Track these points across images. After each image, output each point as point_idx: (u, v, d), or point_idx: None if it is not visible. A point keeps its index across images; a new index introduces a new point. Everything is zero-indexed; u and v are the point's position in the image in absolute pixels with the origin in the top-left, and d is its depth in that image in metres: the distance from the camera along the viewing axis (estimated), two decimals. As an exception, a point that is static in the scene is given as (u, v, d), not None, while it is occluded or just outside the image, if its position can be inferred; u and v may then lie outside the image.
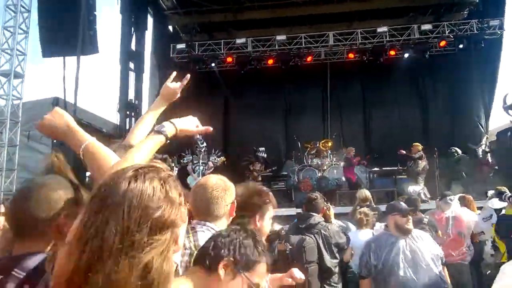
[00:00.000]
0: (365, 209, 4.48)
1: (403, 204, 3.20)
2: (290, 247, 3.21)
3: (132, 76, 12.69)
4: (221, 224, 1.77)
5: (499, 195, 3.79)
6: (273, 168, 11.22)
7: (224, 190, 1.79)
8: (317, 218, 3.60)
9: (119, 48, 12.39)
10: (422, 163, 9.56)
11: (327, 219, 4.05)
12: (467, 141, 12.10)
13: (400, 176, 10.25)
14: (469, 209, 4.94)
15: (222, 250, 1.22)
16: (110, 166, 1.19)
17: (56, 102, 10.17)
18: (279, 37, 12.82)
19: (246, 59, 13.14)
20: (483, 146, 12.21)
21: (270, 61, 13.28)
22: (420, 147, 9.80)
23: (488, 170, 10.77)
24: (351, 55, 13.14)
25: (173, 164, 11.27)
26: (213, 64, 13.23)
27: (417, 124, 14.09)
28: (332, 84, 14.61)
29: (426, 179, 9.71)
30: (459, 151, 10.53)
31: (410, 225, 3.02)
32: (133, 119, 12.38)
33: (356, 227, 4.42)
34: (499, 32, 12.07)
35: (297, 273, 2.02)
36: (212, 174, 1.95)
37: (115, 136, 12.17)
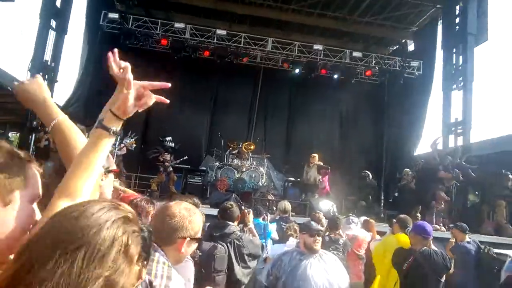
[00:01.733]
0: (294, 224, 4.64)
1: (313, 224, 3.30)
2: (200, 253, 3.17)
3: (52, 35, 11.34)
4: (170, 255, 1.64)
5: (403, 228, 4.19)
6: (184, 158, 10.94)
7: (181, 221, 1.67)
8: (232, 227, 3.55)
9: (41, 2, 10.97)
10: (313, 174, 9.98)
11: (246, 223, 4.12)
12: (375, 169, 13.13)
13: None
14: (369, 231, 5.32)
15: None
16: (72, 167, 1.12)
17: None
18: (219, 31, 12.62)
19: (182, 46, 12.67)
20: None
21: (206, 53, 13.01)
22: (317, 158, 10.19)
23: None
24: (285, 65, 13.49)
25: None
26: (145, 43, 12.50)
27: (334, 143, 14.99)
28: (263, 89, 14.86)
29: (336, 197, 10.38)
30: (370, 176, 11.34)
31: (317, 246, 3.11)
32: (45, 82, 11.04)
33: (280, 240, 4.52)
34: (417, 73, 13.32)
35: None
36: (182, 202, 1.81)
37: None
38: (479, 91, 26.56)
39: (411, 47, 15.21)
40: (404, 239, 3.92)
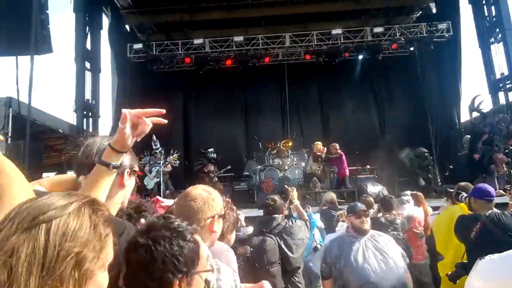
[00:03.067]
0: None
1: (358, 205, 3.24)
2: (251, 249, 3.26)
3: (88, 75, 12.23)
4: (205, 238, 1.62)
5: (456, 195, 3.86)
6: (228, 168, 11.23)
7: (204, 202, 1.66)
8: (278, 219, 3.56)
9: (74, 47, 11.88)
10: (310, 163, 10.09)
11: (291, 200, 4.17)
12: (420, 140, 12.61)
13: (359, 176, 10.60)
14: (421, 207, 5.13)
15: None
16: None
17: (9, 102, 9.67)
18: (236, 38, 12.82)
19: (204, 60, 13.04)
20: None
21: (228, 62, 13.28)
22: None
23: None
24: (307, 57, 13.41)
25: None
26: (171, 64, 13.05)
27: (374, 124, 14.62)
28: (290, 85, 14.86)
29: (386, 179, 10.14)
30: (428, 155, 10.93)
31: (365, 226, 3.07)
32: (90, 119, 11.98)
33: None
34: (447, 35, 12.62)
35: (267, 286, 1.92)
36: (199, 185, 1.79)
37: (72, 136, 11.78)
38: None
39: (435, 9, 14.47)
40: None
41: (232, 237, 2.47)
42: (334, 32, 12.67)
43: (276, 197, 3.78)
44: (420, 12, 15.09)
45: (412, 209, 4.87)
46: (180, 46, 12.97)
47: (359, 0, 14.08)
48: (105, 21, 13.76)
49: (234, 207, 2.74)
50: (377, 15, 15.22)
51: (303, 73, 14.38)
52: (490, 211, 3.14)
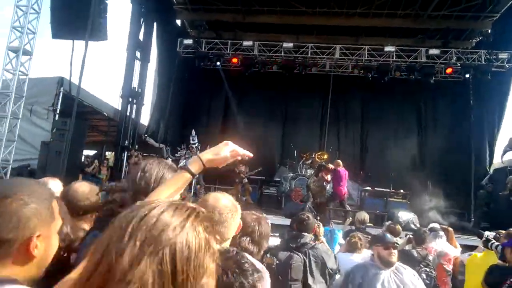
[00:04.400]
0: (358, 233, 4.46)
1: (388, 236, 3.15)
2: (277, 262, 3.23)
3: (137, 64, 12.68)
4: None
5: (486, 242, 3.66)
6: (259, 169, 11.18)
7: (232, 213, 1.77)
8: (308, 238, 3.51)
9: (127, 36, 12.36)
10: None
11: (317, 236, 4.02)
12: (463, 173, 12.04)
13: (391, 199, 10.24)
14: (450, 242, 4.91)
15: None
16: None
17: (61, 81, 10.29)
18: (286, 45, 12.82)
19: (251, 62, 13.15)
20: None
21: (275, 67, 13.30)
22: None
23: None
24: (355, 71, 13.15)
25: (166, 155, 11.31)
26: (218, 63, 13.24)
27: (414, 149, 14.06)
28: (334, 97, 14.64)
29: (417, 207, 9.71)
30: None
31: (392, 258, 2.97)
32: (134, 106, 12.42)
33: (347, 249, 4.37)
34: (507, 66, 11.94)
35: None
36: (219, 194, 1.90)
37: (115, 119, 12.46)
38: None
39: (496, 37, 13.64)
40: None
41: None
42: (386, 49, 12.37)
43: (311, 215, 3.75)
44: (480, 38, 14.31)
45: (444, 244, 4.68)
46: (229, 46, 13.16)
47: (417, 18, 13.60)
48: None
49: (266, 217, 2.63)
50: (433, 36, 14.65)
51: (348, 86, 14.13)
52: None
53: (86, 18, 9.15)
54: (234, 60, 13.21)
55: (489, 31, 13.12)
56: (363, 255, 3.98)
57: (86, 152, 12.13)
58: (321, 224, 4.44)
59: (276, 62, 13.22)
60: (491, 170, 12.20)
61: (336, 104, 14.71)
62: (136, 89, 12.69)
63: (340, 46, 12.96)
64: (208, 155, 1.38)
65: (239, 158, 1.43)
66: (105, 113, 12.87)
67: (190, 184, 9.07)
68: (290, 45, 12.85)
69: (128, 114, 11.99)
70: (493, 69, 11.96)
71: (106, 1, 10.39)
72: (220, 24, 14.75)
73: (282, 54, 13.00)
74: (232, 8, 14.09)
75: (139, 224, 0.72)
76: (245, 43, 13.02)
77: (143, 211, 0.75)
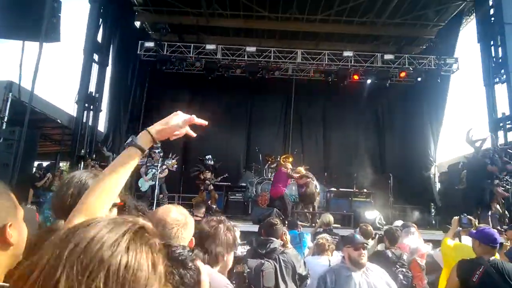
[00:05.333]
0: (326, 235, 4.56)
1: (357, 237, 3.20)
2: (248, 270, 3.22)
3: (95, 68, 12.17)
4: None
5: (457, 234, 3.84)
6: (225, 176, 11.13)
7: (183, 227, 1.68)
8: (277, 243, 3.53)
9: (84, 38, 11.83)
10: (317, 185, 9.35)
11: (284, 243, 4.01)
12: (421, 168, 12.78)
13: (355, 199, 10.59)
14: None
15: None
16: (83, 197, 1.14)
17: (9, 86, 9.58)
18: (249, 49, 12.91)
19: (215, 66, 13.08)
20: (432, 175, 12.97)
21: (238, 71, 13.32)
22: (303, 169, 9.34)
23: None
24: (316, 75, 13.50)
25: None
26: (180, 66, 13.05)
27: (374, 148, 14.72)
28: (296, 100, 14.94)
29: (380, 205, 10.12)
30: None
31: (363, 259, 3.03)
32: (91, 112, 11.91)
33: (315, 251, 4.44)
34: (454, 70, 12.88)
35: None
36: (171, 206, 1.78)
37: (70, 127, 11.73)
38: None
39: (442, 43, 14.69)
40: None
41: (230, 259, 2.33)
42: (345, 54, 12.79)
43: (279, 220, 3.78)
44: (428, 44, 15.21)
45: (417, 240, 4.78)
46: (192, 49, 13.01)
47: (373, 26, 14.24)
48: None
49: (231, 225, 2.52)
50: (388, 42, 15.45)
51: (310, 90, 14.47)
52: (493, 257, 3.17)
53: (39, 18, 8.62)
54: (197, 64, 13.09)
55: (437, 38, 14.05)
56: (333, 259, 4.07)
57: (38, 163, 11.31)
58: (287, 232, 4.41)
59: (240, 66, 13.25)
60: (447, 166, 12.99)
61: (299, 107, 15.02)
62: (93, 94, 12.22)
63: (302, 50, 13.25)
64: (157, 126, 1.28)
65: (195, 123, 1.35)
66: (59, 121, 12.12)
67: (153, 192, 8.86)
68: (253, 49, 12.95)
69: (84, 120, 11.46)
70: (442, 73, 12.78)
71: (60, 0, 9.90)
72: (183, 27, 14.57)
73: (245, 58, 13.05)
74: (195, 11, 13.98)
75: (73, 249, 0.65)
76: (208, 46, 12.94)
77: (78, 233, 0.68)
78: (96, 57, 12.25)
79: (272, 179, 9.84)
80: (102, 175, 1.19)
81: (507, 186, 9.21)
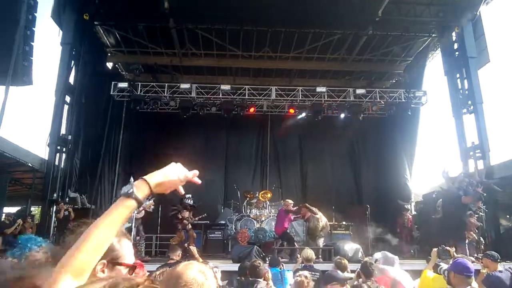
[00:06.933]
0: (305, 272, 4.39)
1: (339, 273, 3.22)
2: None
3: (66, 110, 11.94)
4: None
5: (436, 266, 3.84)
6: (204, 215, 10.83)
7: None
8: (262, 283, 3.85)
9: (56, 79, 11.68)
10: (322, 217, 9.26)
11: (267, 281, 4.23)
12: (396, 198, 12.93)
13: (335, 231, 10.49)
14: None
15: None
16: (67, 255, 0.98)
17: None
18: (223, 87, 13.03)
19: (190, 104, 13.06)
20: (412, 204, 13.12)
21: (213, 108, 13.32)
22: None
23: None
24: (291, 110, 13.69)
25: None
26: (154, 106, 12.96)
27: (350, 181, 14.84)
28: (272, 136, 15.06)
29: (359, 237, 10.02)
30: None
31: None
32: (63, 154, 11.51)
33: None
34: (424, 102, 13.40)
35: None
36: (195, 263, 1.52)
37: (40, 171, 11.30)
38: (492, 112, 26.32)
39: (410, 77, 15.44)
40: None
41: None
42: (318, 89, 13.11)
43: (261, 261, 4.07)
44: (399, 78, 15.95)
45: (397, 272, 4.62)
46: (166, 88, 13.02)
47: (344, 62, 14.83)
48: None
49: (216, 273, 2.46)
50: (359, 77, 16.08)
51: (285, 125, 14.62)
52: (469, 286, 3.19)
53: (7, 61, 8.43)
54: (172, 103, 13.05)
55: (406, 73, 14.77)
56: None
57: (7, 209, 10.71)
58: (269, 270, 4.60)
59: (215, 104, 13.29)
60: (421, 196, 13.18)
61: (275, 143, 15.11)
62: (66, 136, 11.89)
63: (276, 87, 13.49)
64: (157, 177, 1.16)
65: (192, 181, 1.26)
66: (30, 164, 11.68)
67: (130, 231, 8.45)
68: (228, 87, 13.08)
69: (56, 163, 11.08)
70: (412, 105, 13.26)
71: (32, 43, 9.77)
72: (157, 66, 14.67)
73: (220, 96, 13.14)
74: (169, 51, 14.18)
75: None
76: (183, 85, 12.98)
77: None
78: (68, 98, 12.10)
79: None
80: (93, 229, 1.04)
81: (481, 213, 9.39)
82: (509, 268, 4.86)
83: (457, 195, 9.51)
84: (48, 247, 1.78)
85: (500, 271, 4.70)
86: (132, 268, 1.32)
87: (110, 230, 1.05)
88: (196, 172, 1.27)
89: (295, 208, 9.30)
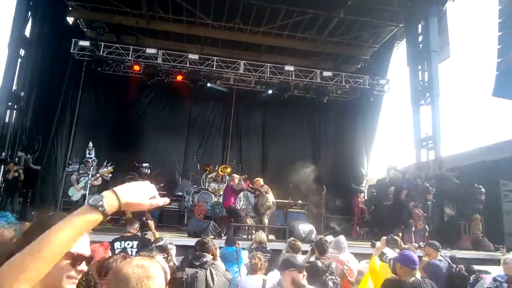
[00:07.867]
0: (259, 253, 4.50)
1: (297, 259, 3.35)
2: (186, 276, 3.96)
3: (20, 64, 11.18)
4: None
5: (381, 255, 4.03)
6: (161, 185, 10.65)
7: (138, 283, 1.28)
8: (208, 257, 4.30)
9: (10, 31, 10.86)
10: (271, 197, 9.14)
11: (214, 256, 4.64)
12: (351, 181, 13.47)
13: (290, 210, 10.78)
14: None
15: None
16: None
17: None
18: (191, 56, 12.67)
19: (155, 71, 12.63)
20: (363, 188, 13.74)
21: (179, 77, 12.98)
22: (262, 181, 9.34)
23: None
24: (258, 86, 13.63)
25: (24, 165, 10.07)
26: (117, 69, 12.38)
27: (309, 160, 15.19)
28: (236, 111, 14.99)
29: (313, 216, 10.39)
30: None
31: (305, 280, 3.09)
32: (14, 111, 10.87)
33: (248, 271, 4.38)
34: (386, 90, 13.85)
35: None
36: (135, 258, 1.39)
37: None
38: (449, 106, 27.63)
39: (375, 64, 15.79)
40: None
41: None
42: (287, 68, 13.11)
43: (210, 240, 4.65)
44: (362, 64, 16.25)
45: (347, 255, 4.90)
46: (131, 52, 12.47)
47: (313, 42, 14.86)
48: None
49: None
50: (327, 59, 16.22)
51: (251, 101, 14.60)
52: (414, 278, 3.36)
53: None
54: (136, 67, 12.51)
55: (371, 59, 15.08)
56: (270, 279, 3.96)
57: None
58: (217, 247, 4.82)
59: (181, 73, 12.95)
60: (375, 180, 13.82)
61: (239, 118, 15.09)
62: (18, 92, 11.19)
63: (244, 61, 13.32)
64: (129, 196, 1.10)
65: (154, 205, 1.19)
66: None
67: (85, 202, 8.23)
68: (196, 57, 12.73)
69: (6, 121, 10.46)
70: (375, 92, 13.65)
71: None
72: (121, 27, 13.93)
73: (187, 65, 12.79)
74: (135, 12, 13.49)
75: None
76: (149, 50, 12.48)
77: None
78: (22, 52, 11.33)
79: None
80: (52, 237, 0.97)
81: (429, 203, 9.98)
82: (447, 257, 5.33)
83: (400, 187, 10.18)
84: (19, 227, 1.69)
85: (440, 260, 5.09)
86: (77, 258, 1.22)
87: (70, 241, 1.01)
88: (167, 200, 1.24)
89: (243, 186, 9.19)
